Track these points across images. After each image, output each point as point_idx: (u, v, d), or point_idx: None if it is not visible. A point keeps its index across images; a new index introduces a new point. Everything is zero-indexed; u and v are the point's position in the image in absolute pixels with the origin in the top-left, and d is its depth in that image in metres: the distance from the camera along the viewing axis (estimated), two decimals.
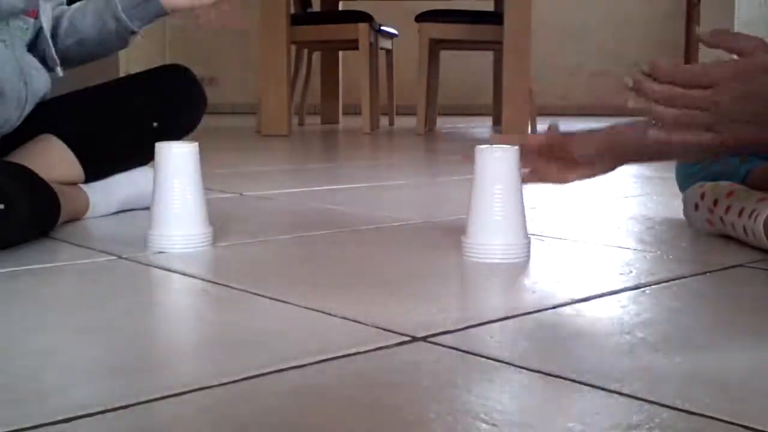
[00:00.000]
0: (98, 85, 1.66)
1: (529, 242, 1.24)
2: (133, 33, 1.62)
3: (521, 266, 1.22)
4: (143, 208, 1.65)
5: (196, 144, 1.31)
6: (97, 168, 1.58)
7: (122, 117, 1.61)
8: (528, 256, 1.23)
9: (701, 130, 1.04)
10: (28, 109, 1.52)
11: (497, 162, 1.22)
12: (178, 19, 1.55)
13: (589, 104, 7.35)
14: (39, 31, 1.53)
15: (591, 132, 1.31)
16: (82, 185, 1.57)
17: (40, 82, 1.53)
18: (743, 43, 1.04)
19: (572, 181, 1.33)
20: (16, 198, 1.24)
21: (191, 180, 1.29)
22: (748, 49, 1.03)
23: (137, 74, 1.70)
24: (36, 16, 1.51)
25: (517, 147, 1.24)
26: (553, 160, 1.32)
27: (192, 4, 1.58)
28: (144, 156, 1.68)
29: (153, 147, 1.75)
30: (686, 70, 1.07)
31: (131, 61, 5.51)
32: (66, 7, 1.64)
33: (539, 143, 1.32)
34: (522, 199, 1.23)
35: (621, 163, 1.30)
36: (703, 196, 1.40)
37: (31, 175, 1.34)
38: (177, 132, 1.73)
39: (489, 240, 1.21)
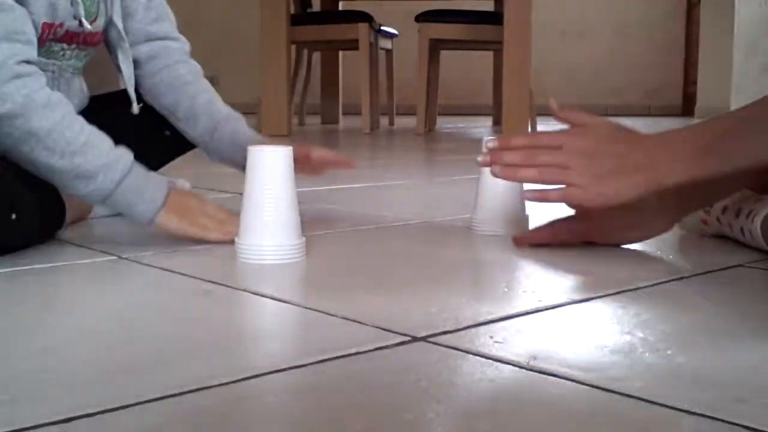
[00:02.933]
0: (115, 91, 1.66)
1: (304, 242, 1.23)
2: None
3: (522, 265, 1.22)
4: None
5: (290, 148, 1.24)
6: None
7: (135, 124, 1.61)
8: (303, 257, 1.22)
9: (566, 185, 1.15)
10: None
11: (269, 163, 1.21)
12: None
13: (589, 104, 7.36)
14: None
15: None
16: None
17: (77, 108, 1.53)
18: (583, 117, 1.21)
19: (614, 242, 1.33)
20: (26, 205, 1.25)
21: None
22: (586, 121, 1.20)
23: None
24: (97, 43, 1.48)
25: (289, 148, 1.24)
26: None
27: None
28: (154, 162, 1.68)
29: (164, 155, 1.74)
30: (535, 137, 1.22)
31: None
32: (184, 55, 1.59)
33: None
34: (295, 198, 1.23)
35: (672, 222, 1.31)
36: None
37: (40, 180, 1.34)
38: (188, 141, 1.73)
39: (260, 241, 1.21)
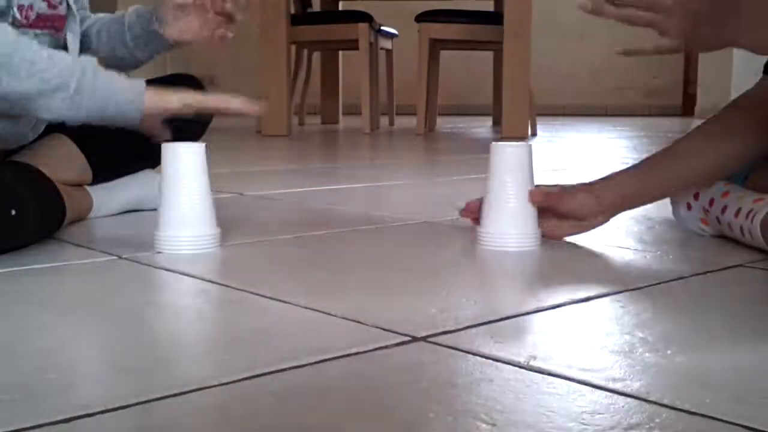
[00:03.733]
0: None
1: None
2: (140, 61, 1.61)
3: (522, 265, 1.22)
4: (147, 210, 1.65)
5: (203, 145, 1.31)
6: (105, 170, 1.58)
7: None
8: (536, 245, 1.32)
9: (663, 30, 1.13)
10: (43, 126, 1.51)
11: (509, 156, 1.32)
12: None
13: (589, 104, 7.36)
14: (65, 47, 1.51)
15: (573, 188, 1.37)
16: (86, 186, 1.57)
17: None
18: None
19: (563, 235, 1.38)
20: (26, 203, 1.25)
21: (198, 180, 1.29)
22: None
23: (148, 81, 1.69)
24: (61, 31, 1.49)
25: (527, 144, 1.35)
26: (547, 217, 1.36)
27: (196, 38, 1.55)
28: (151, 160, 1.68)
29: (158, 154, 1.75)
30: None
31: None
32: (92, 18, 1.62)
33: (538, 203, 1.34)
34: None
35: (608, 217, 1.38)
36: (697, 196, 1.40)
37: (39, 178, 1.34)
38: (183, 138, 1.73)
39: (503, 230, 1.31)
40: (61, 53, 1.30)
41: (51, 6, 1.41)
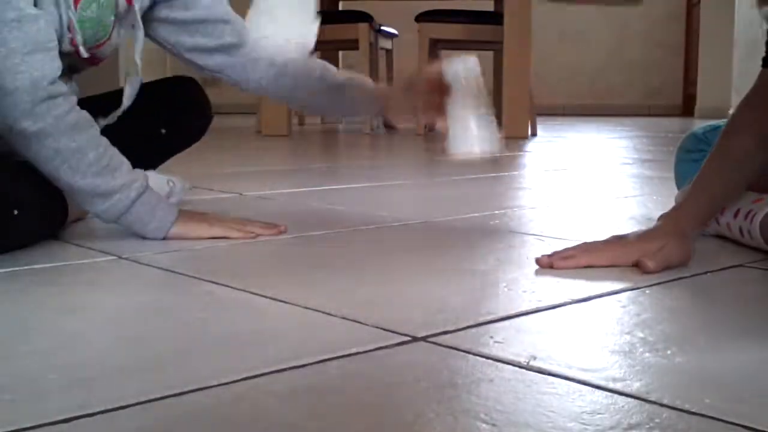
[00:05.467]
0: (111, 92, 1.66)
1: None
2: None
3: (522, 265, 1.22)
4: None
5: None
6: None
7: (132, 123, 1.61)
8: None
9: None
10: None
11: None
12: None
13: (589, 104, 7.36)
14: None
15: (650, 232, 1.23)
16: None
17: None
18: None
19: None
20: (27, 203, 1.25)
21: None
22: None
23: (148, 83, 1.69)
24: (96, 64, 1.48)
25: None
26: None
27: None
28: (151, 161, 1.68)
29: (160, 153, 1.76)
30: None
31: (132, 65, 5.50)
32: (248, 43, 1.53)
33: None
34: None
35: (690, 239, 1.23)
36: None
37: (40, 178, 1.34)
38: (184, 139, 1.74)
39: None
40: (119, 161, 1.33)
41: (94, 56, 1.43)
